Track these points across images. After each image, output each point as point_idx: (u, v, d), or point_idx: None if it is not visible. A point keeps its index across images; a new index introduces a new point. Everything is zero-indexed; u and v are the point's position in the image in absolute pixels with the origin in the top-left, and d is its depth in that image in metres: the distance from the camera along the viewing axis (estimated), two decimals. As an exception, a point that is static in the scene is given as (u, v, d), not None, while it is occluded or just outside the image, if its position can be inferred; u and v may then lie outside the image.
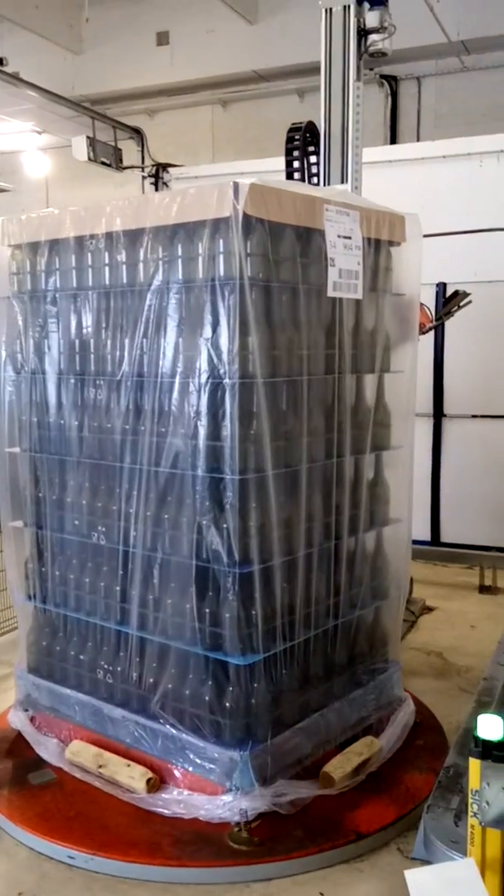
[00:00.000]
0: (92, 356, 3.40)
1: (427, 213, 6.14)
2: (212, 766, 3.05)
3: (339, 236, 3.27)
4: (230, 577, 2.98)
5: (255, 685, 3.05)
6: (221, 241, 2.90)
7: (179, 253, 3.03)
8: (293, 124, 5.40)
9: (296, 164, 5.35)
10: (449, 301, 5.51)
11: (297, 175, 5.40)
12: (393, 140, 12.05)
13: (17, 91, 11.08)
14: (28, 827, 3.10)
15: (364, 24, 4.62)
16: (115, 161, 10.78)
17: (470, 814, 1.61)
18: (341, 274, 3.29)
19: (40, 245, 3.51)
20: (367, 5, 4.62)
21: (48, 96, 11.19)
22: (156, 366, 3.12)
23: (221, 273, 2.91)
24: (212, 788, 3.08)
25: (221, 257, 2.90)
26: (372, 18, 4.60)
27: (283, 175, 5.79)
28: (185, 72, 12.52)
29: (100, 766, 3.33)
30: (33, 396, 3.60)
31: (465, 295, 5.41)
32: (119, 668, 3.39)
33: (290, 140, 5.35)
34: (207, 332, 2.95)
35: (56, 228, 3.42)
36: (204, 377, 2.97)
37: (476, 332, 6.48)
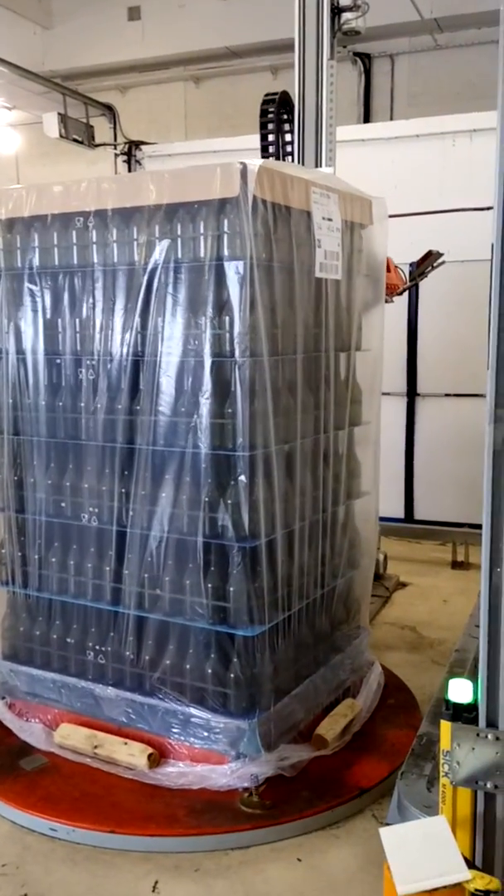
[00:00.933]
0: (79, 336, 3.33)
1: (400, 192, 6.20)
2: (218, 736, 3.13)
3: (323, 218, 3.32)
4: (239, 552, 3.06)
5: (259, 655, 3.13)
6: (226, 220, 2.92)
7: (179, 232, 3.02)
8: (266, 95, 5.38)
9: (270, 137, 5.34)
10: (423, 261, 5.46)
11: (271, 149, 5.39)
12: (366, 119, 12.02)
13: (-15, 66, 10.89)
14: (35, 811, 3.09)
15: (338, 2, 4.61)
16: (87, 138, 10.67)
17: (441, 774, 1.68)
18: (326, 255, 3.36)
19: (18, 221, 3.40)
20: (340, -17, 4.61)
21: (18, 72, 11.03)
22: (155, 345, 3.10)
23: (226, 253, 2.93)
24: (215, 758, 3.17)
25: (226, 237, 2.93)
26: (345, -4, 4.60)
27: (258, 152, 5.80)
28: (156, 47, 12.37)
29: (95, 747, 3.33)
30: (10, 378, 3.49)
31: (439, 255, 5.37)
32: (111, 649, 3.39)
33: (263, 113, 5.34)
34: (212, 311, 2.98)
35: (37, 204, 3.32)
36: (209, 356, 3.00)
37: (449, 312, 6.54)
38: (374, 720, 3.68)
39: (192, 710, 3.16)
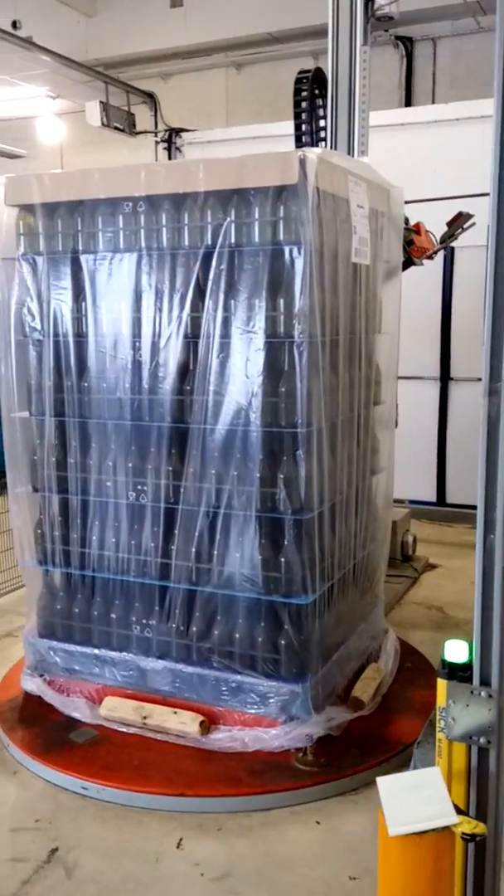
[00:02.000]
0: (129, 319, 3.37)
1: (440, 175, 6.20)
2: (270, 701, 3.28)
3: (358, 205, 3.44)
4: (294, 524, 3.20)
5: (310, 623, 3.28)
6: (283, 207, 3.04)
7: (233, 217, 3.13)
8: (300, 72, 5.43)
9: (303, 115, 5.38)
10: (453, 222, 5.37)
11: (304, 128, 5.42)
12: (408, 102, 11.94)
13: (31, 56, 11.08)
14: (99, 779, 3.17)
15: (371, -11, 4.65)
16: (128, 126, 10.82)
17: (438, 729, 1.77)
18: (360, 241, 3.48)
19: (61, 205, 3.44)
20: (374, -31, 4.65)
21: (62, 61, 11.19)
22: (208, 327, 3.20)
23: (283, 237, 3.06)
24: (265, 722, 3.31)
25: (283, 223, 3.05)
26: (379, -18, 4.63)
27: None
28: (199, 34, 12.43)
29: (144, 718, 3.42)
30: (52, 360, 3.52)
31: (469, 216, 5.28)
32: (158, 622, 3.49)
33: (297, 91, 5.39)
34: (267, 293, 3.10)
35: (82, 189, 3.38)
36: (263, 337, 3.12)
37: (484, 296, 6.54)
38: (397, 682, 3.87)
39: (246, 678, 3.32)
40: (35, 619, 3.80)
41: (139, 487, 3.45)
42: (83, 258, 3.44)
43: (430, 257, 4.61)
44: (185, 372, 3.31)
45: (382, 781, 1.64)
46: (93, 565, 3.61)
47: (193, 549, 3.36)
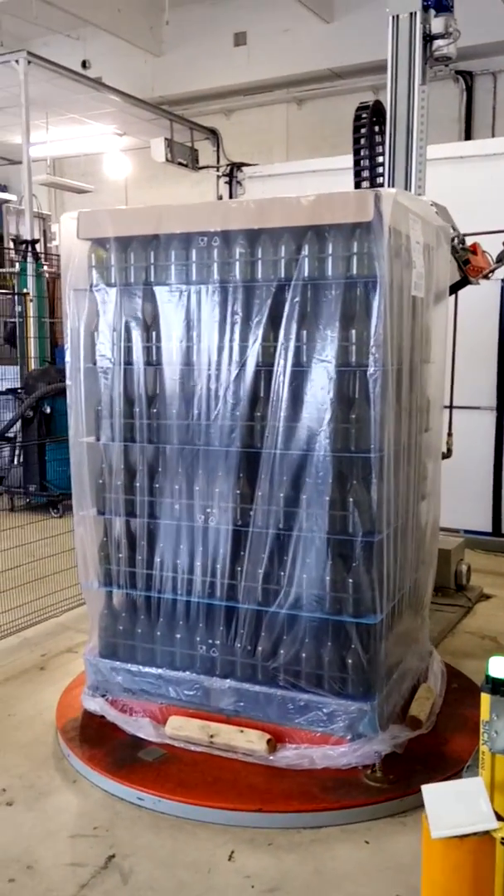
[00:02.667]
0: (201, 348, 3.50)
1: (500, 207, 6.26)
2: (337, 719, 3.37)
3: (416, 242, 3.61)
4: (366, 546, 3.32)
5: (377, 642, 3.38)
6: (357, 243, 3.22)
7: (307, 252, 3.29)
8: (361, 103, 5.60)
9: (362, 142, 5.51)
10: None
11: (363, 160, 5.55)
12: (468, 135, 12.06)
13: (99, 95, 11.56)
14: (175, 796, 3.23)
15: (430, 30, 4.78)
16: (191, 161, 11.17)
17: (481, 742, 1.84)
18: (418, 275, 3.65)
19: (134, 239, 3.58)
20: (433, 12, 4.78)
21: (129, 100, 11.62)
22: (280, 356, 3.34)
23: (357, 272, 3.24)
24: (332, 740, 3.39)
25: (358, 258, 3.23)
26: (437, 24, 4.76)
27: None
28: (261, 71, 12.79)
29: (211, 737, 3.47)
30: (122, 387, 3.64)
31: None
32: (223, 642, 3.57)
33: (357, 118, 5.54)
34: (339, 325, 3.26)
35: (157, 224, 3.53)
36: (335, 366, 3.28)
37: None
38: (446, 702, 3.92)
39: (314, 696, 3.40)
40: (96, 640, 3.87)
41: (208, 510, 3.55)
42: (156, 290, 3.58)
43: (486, 276, 4.66)
44: (257, 399, 3.45)
45: (427, 789, 1.71)
46: (157, 586, 3.68)
47: (262, 571, 3.46)
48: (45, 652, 4.80)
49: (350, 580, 3.35)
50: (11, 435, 8.07)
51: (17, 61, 9.40)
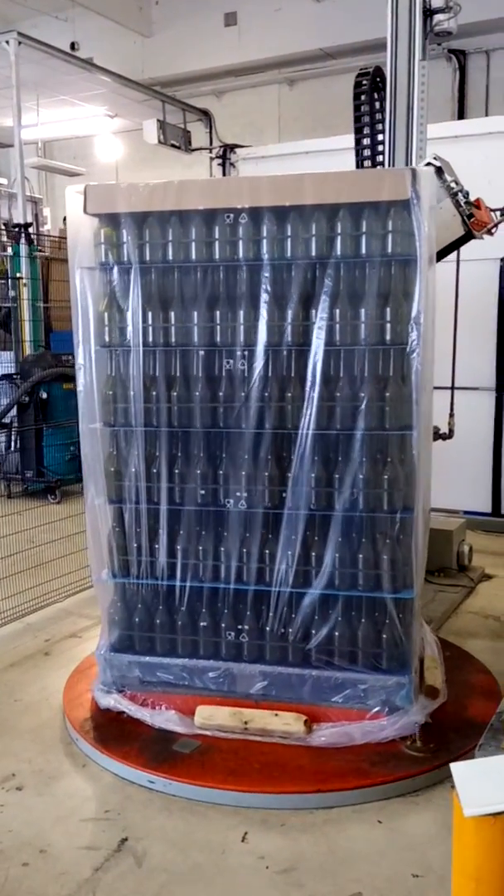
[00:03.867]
0: (231, 328, 3.40)
1: (494, 187, 6.21)
2: (374, 693, 3.41)
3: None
4: (402, 522, 3.38)
5: (411, 616, 3.44)
6: (393, 220, 3.21)
7: (339, 230, 3.25)
8: (361, 69, 5.53)
9: (364, 109, 5.44)
10: None
11: (365, 118, 5.49)
12: (461, 115, 11.98)
13: (90, 76, 11.41)
14: (234, 786, 3.18)
15: (430, 5, 4.71)
16: (184, 143, 11.06)
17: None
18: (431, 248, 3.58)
19: (151, 215, 3.42)
20: (432, -15, 4.72)
21: (121, 81, 11.49)
22: (313, 336, 3.30)
23: (394, 250, 3.23)
24: (369, 715, 3.42)
25: (394, 236, 3.22)
26: (437, -2, 4.70)
27: (350, 153, 5.93)
28: (252, 52, 12.66)
29: (245, 723, 3.44)
30: (139, 370, 3.48)
31: None
32: (251, 626, 3.54)
33: (357, 85, 5.48)
34: (374, 303, 3.25)
35: (178, 199, 3.39)
36: (370, 344, 3.27)
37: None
38: (448, 670, 3.96)
39: (351, 673, 3.42)
40: (110, 635, 3.74)
41: (238, 494, 3.47)
42: (176, 268, 3.46)
43: (490, 232, 4.60)
44: (288, 379, 3.40)
45: (456, 767, 1.70)
46: (180, 575, 3.59)
47: (298, 552, 3.43)
48: (49, 637, 4.78)
49: (386, 557, 3.37)
50: (7, 421, 8.01)
51: (7, 42, 9.26)
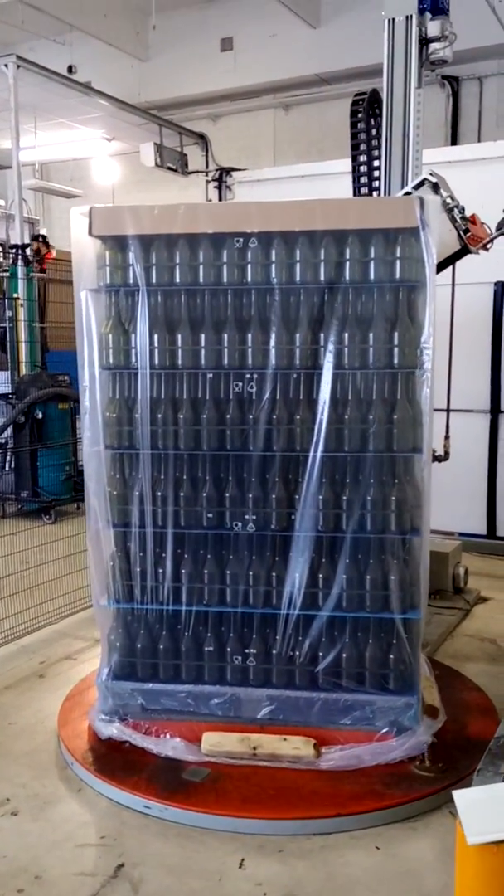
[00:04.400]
0: (237, 352, 3.41)
1: (487, 213, 6.27)
2: (384, 715, 3.42)
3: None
4: (411, 543, 3.44)
5: (418, 636, 3.48)
6: (400, 247, 3.29)
7: (347, 256, 3.32)
8: (356, 94, 5.61)
9: (360, 134, 5.51)
10: None
11: (362, 141, 5.56)
12: (454, 140, 12.13)
13: (88, 99, 11.53)
14: (245, 813, 3.14)
15: (426, 34, 4.79)
16: (180, 166, 11.16)
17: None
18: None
19: (158, 238, 3.41)
20: (428, 15, 4.79)
21: (118, 104, 11.59)
22: (326, 359, 3.35)
23: (402, 276, 3.30)
24: (376, 737, 3.43)
25: (402, 262, 3.29)
26: (433, 28, 4.77)
27: (344, 176, 6.00)
28: (248, 76, 12.82)
29: (254, 748, 3.40)
30: (149, 392, 3.46)
31: None
32: (257, 650, 3.52)
33: (354, 104, 5.54)
34: (382, 328, 3.32)
35: (187, 223, 3.39)
36: (376, 368, 3.34)
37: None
38: (440, 689, 3.96)
39: (360, 695, 3.43)
40: (111, 663, 3.66)
41: (246, 517, 3.47)
42: (184, 291, 3.46)
43: (485, 248, 4.64)
44: (297, 402, 3.42)
45: (459, 795, 1.70)
46: (185, 599, 3.56)
47: (306, 575, 3.43)
48: (44, 659, 4.75)
49: (394, 578, 3.40)
50: (2, 441, 8.00)
51: (6, 65, 9.35)
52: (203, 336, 3.46)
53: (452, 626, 5.19)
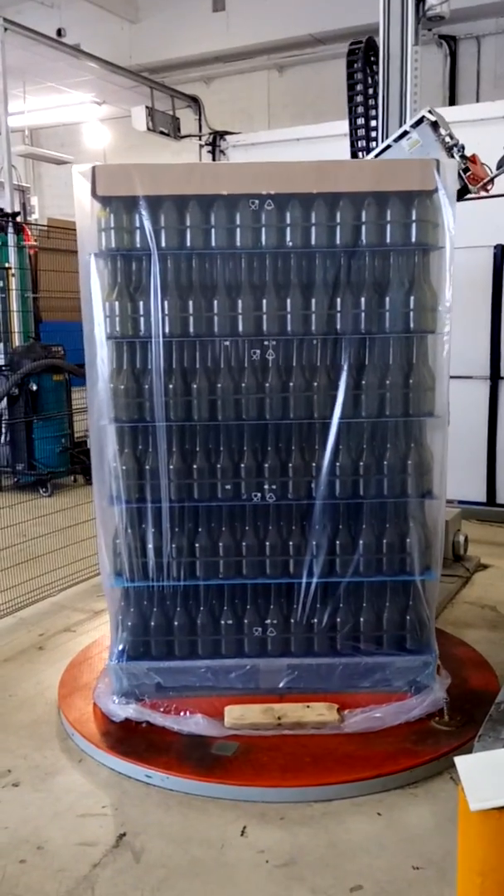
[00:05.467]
0: (251, 318, 3.32)
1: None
2: (403, 675, 3.51)
3: None
4: (430, 506, 3.50)
5: (432, 597, 3.56)
6: (415, 210, 3.26)
7: (364, 218, 3.27)
8: (352, 42, 5.51)
9: (358, 87, 5.44)
10: None
11: (359, 98, 5.48)
12: (452, 101, 11.93)
13: (77, 63, 11.29)
14: (286, 782, 3.14)
15: (422, -12, 4.67)
16: (173, 130, 10.96)
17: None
18: None
19: (166, 199, 3.27)
20: (425, -31, 4.67)
21: (108, 67, 11.37)
22: (344, 324, 3.31)
23: (420, 239, 3.28)
24: (395, 697, 3.50)
25: (421, 225, 3.27)
26: (430, -18, 4.66)
27: (341, 139, 5.88)
28: (241, 37, 12.57)
29: (278, 718, 3.39)
30: (158, 362, 3.31)
31: None
32: (277, 620, 3.53)
33: (350, 64, 5.44)
34: (400, 292, 3.31)
35: (200, 184, 3.27)
36: (401, 332, 3.34)
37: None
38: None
39: (380, 657, 3.51)
40: (123, 643, 3.56)
41: (265, 487, 3.42)
42: (195, 255, 3.33)
43: (485, 188, 4.56)
44: (314, 369, 3.38)
45: (460, 761, 1.68)
46: (202, 574, 3.50)
47: (326, 542, 3.45)
48: (43, 632, 4.74)
49: (413, 540, 3.45)
50: (-3, 413, 7.94)
51: (-8, 28, 9.13)
52: (216, 302, 3.33)
53: (452, 593, 5.19)
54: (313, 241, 3.29)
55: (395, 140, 4.18)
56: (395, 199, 3.26)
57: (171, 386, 3.37)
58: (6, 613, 4.87)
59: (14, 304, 8.29)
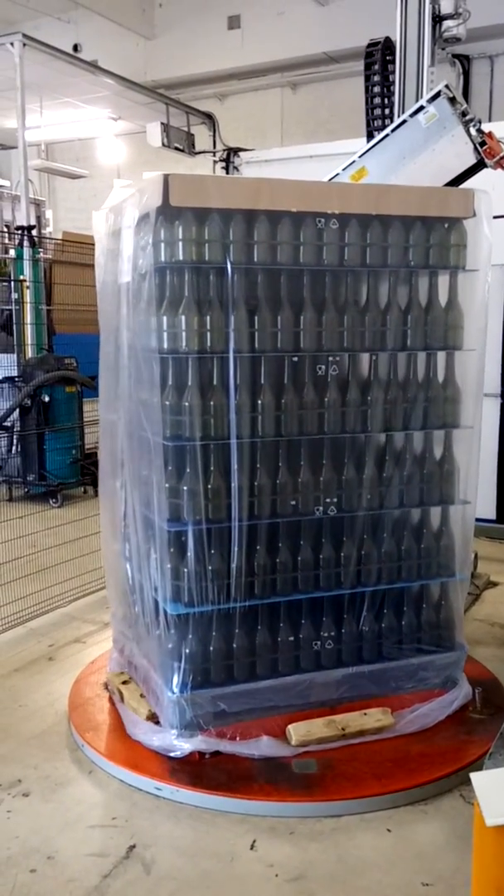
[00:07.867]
0: (311, 334, 3.37)
1: (498, 193, 6.19)
2: (442, 671, 3.71)
3: None
4: (464, 512, 3.70)
5: (461, 595, 3.80)
6: (458, 234, 3.51)
7: (411, 241, 3.46)
8: (371, 41, 5.60)
9: (376, 85, 5.52)
10: None
11: (376, 88, 5.56)
12: (464, 120, 11.99)
13: (93, 78, 11.41)
14: (385, 789, 3.18)
15: (439, 11, 4.73)
16: (187, 146, 11.05)
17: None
18: None
19: (233, 213, 3.21)
20: (442, -9, 4.73)
21: (124, 83, 11.48)
22: (400, 340, 3.52)
23: (460, 262, 3.53)
24: (435, 694, 3.67)
25: (458, 249, 3.52)
26: (447, 4, 4.72)
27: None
28: (255, 55, 12.68)
29: (343, 729, 3.42)
30: (215, 377, 3.26)
31: None
32: (332, 633, 3.58)
33: (368, 55, 5.52)
34: (445, 310, 3.55)
35: (269, 199, 3.25)
36: (443, 348, 3.58)
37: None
38: None
39: (424, 657, 3.68)
40: (181, 673, 3.38)
41: (326, 500, 3.49)
42: (262, 270, 3.31)
43: (500, 164, 4.56)
44: (366, 384, 3.53)
45: (476, 777, 1.69)
46: (259, 592, 3.43)
47: (375, 551, 3.60)
48: (53, 642, 4.76)
49: (448, 543, 3.69)
50: (9, 424, 7.99)
51: (11, 44, 9.25)
52: (279, 318, 3.32)
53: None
54: (367, 261, 3.42)
55: (412, 115, 4.13)
56: (431, 224, 3.47)
57: (223, 403, 3.26)
58: (16, 624, 4.89)
59: (28, 317, 8.37)
